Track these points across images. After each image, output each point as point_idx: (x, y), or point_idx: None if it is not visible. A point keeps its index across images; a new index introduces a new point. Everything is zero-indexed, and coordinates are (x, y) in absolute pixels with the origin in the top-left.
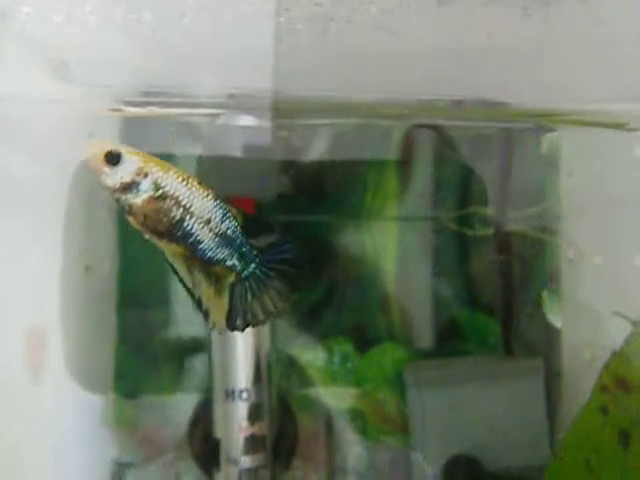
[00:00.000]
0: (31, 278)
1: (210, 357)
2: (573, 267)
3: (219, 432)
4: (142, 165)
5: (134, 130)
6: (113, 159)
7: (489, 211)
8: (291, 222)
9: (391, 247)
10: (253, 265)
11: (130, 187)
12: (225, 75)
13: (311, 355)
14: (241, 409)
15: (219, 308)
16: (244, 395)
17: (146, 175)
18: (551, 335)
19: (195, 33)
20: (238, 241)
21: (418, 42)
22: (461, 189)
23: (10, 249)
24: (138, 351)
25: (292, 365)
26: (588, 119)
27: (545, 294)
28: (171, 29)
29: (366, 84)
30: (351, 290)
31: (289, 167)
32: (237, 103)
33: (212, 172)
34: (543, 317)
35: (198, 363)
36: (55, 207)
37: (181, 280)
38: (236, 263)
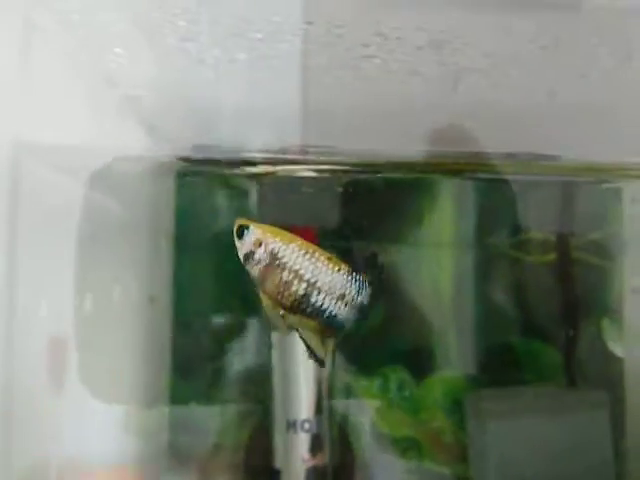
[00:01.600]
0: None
1: (271, 387)
2: (638, 296)
3: (279, 463)
4: (260, 236)
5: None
6: (240, 232)
7: (550, 237)
8: (348, 249)
9: (447, 273)
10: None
11: (248, 257)
12: (274, 129)
13: (367, 383)
14: (303, 440)
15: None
16: (306, 426)
17: (260, 244)
18: (613, 365)
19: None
20: (368, 303)
21: (472, 94)
22: (517, 213)
23: (95, 283)
24: (191, 379)
25: (348, 393)
26: None
27: (606, 322)
28: (220, 85)
29: (413, 138)
30: (407, 317)
31: (346, 195)
32: (290, 157)
33: (272, 203)
34: (604, 346)
35: (253, 391)
36: (130, 245)
37: (312, 353)
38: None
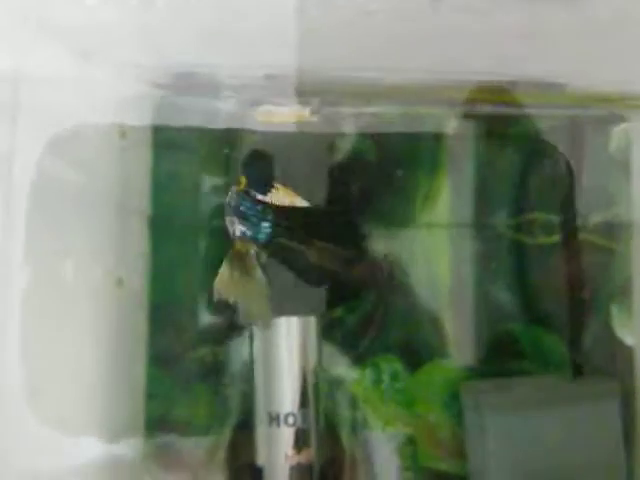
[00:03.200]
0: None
1: (252, 378)
2: None
3: (262, 460)
4: None
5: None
6: None
7: (554, 217)
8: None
9: (443, 257)
10: (266, 224)
11: None
12: (258, 53)
13: (357, 374)
14: (287, 435)
15: (257, 295)
16: (290, 420)
17: None
18: (621, 354)
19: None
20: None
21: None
22: (520, 191)
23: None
24: (170, 369)
25: (337, 385)
26: None
27: (614, 308)
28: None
29: (410, 63)
30: (400, 303)
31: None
32: (275, 86)
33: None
34: (612, 333)
35: (236, 382)
36: (88, 215)
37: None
38: (248, 231)
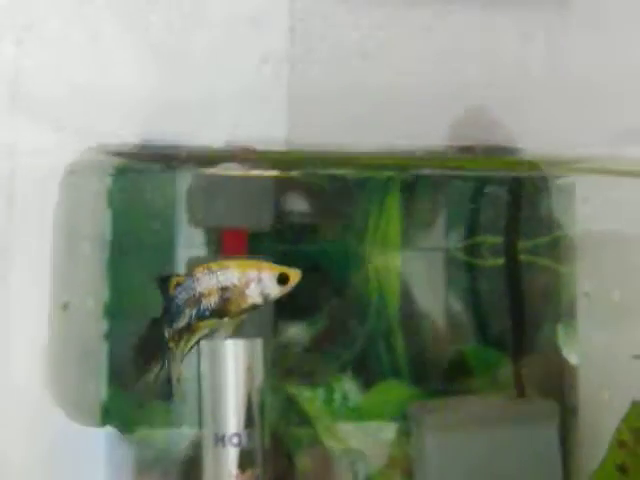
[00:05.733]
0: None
1: (200, 398)
2: (589, 301)
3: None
4: None
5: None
6: None
7: (499, 240)
8: (288, 251)
9: (395, 278)
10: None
11: None
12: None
13: (310, 392)
14: (232, 455)
15: None
16: (235, 440)
17: None
18: (566, 372)
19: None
20: None
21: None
22: (470, 215)
23: None
24: (129, 391)
25: (289, 403)
26: (606, 167)
27: (560, 328)
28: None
29: (362, 130)
30: (352, 323)
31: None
32: (234, 155)
33: (201, 202)
34: (558, 352)
35: (192, 401)
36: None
37: None
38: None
